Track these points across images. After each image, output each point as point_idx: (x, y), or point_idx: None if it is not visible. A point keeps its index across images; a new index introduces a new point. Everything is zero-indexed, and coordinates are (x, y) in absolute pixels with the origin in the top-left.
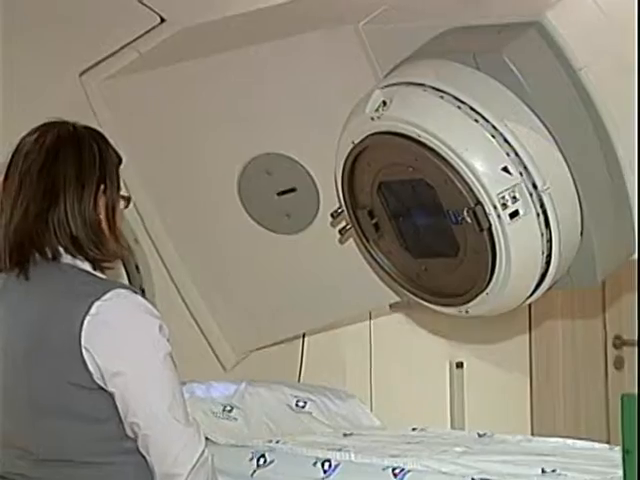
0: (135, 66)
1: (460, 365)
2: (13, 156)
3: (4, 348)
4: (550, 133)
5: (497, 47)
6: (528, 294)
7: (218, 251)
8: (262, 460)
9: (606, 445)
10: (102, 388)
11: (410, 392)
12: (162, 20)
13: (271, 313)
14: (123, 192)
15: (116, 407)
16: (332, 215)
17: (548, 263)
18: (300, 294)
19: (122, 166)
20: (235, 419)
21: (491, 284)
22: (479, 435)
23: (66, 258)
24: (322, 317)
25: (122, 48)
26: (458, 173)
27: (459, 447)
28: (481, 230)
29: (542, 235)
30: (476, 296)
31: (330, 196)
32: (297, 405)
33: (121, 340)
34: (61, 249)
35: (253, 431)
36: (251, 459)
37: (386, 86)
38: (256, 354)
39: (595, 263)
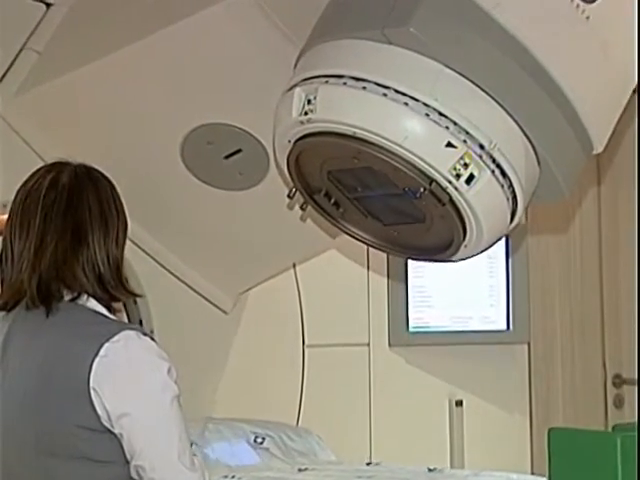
0: (41, 72)
1: (460, 403)
2: (26, 197)
3: (12, 387)
4: (480, 88)
5: (402, 19)
6: (506, 229)
7: (180, 219)
8: None
9: None
10: (109, 430)
11: (410, 430)
12: (48, 6)
13: (248, 258)
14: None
15: (122, 449)
16: (288, 196)
17: (515, 203)
18: (269, 239)
19: None
20: (194, 455)
21: (466, 239)
22: (429, 470)
23: (82, 298)
24: (289, 255)
25: (19, 53)
26: (404, 160)
27: None
28: (443, 205)
29: (502, 186)
30: (457, 250)
31: None
32: (255, 441)
33: (129, 382)
34: (86, 287)
35: (211, 467)
36: None
37: (305, 80)
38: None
39: (558, 181)
